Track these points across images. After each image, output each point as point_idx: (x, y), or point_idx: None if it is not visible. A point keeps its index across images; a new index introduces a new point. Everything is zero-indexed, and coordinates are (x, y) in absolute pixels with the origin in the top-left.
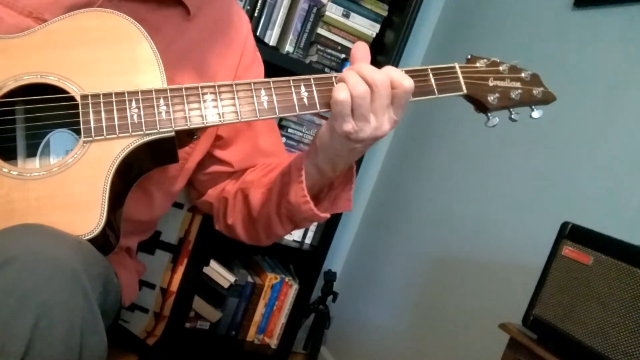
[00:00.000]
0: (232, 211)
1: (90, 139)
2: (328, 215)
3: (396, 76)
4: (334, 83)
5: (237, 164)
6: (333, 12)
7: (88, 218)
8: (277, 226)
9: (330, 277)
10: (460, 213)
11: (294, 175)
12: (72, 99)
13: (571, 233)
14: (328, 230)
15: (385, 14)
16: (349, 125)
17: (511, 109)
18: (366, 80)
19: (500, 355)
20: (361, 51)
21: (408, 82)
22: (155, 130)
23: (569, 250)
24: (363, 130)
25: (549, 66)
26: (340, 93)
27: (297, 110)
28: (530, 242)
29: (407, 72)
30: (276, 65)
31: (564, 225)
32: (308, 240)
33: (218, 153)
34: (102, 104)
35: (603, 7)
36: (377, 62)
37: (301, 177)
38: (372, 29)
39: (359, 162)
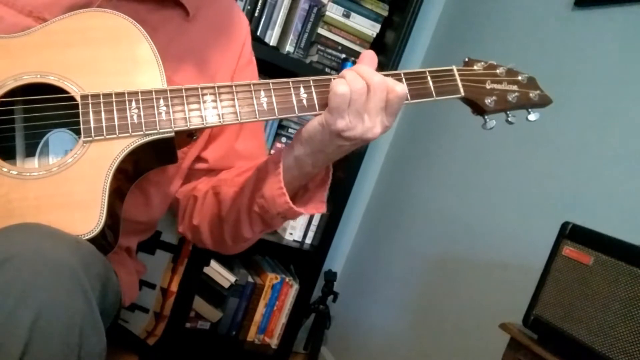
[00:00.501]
0: (200, 211)
1: (90, 139)
2: (303, 212)
3: (390, 83)
4: None
5: (212, 162)
6: (333, 12)
7: (87, 218)
8: (245, 226)
9: (331, 277)
10: (461, 213)
11: (270, 168)
12: (72, 98)
13: (572, 233)
14: (328, 230)
15: (385, 14)
16: (344, 122)
17: (508, 112)
18: (364, 79)
19: (501, 355)
20: (368, 58)
21: (400, 88)
22: (155, 131)
23: (569, 250)
24: (355, 128)
25: (549, 66)
26: (340, 86)
27: (297, 112)
28: (530, 242)
29: (405, 74)
30: (276, 65)
31: (565, 225)
32: (308, 240)
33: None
34: (102, 104)
35: (604, 7)
36: (377, 61)
37: (279, 169)
38: (372, 29)
39: (359, 162)
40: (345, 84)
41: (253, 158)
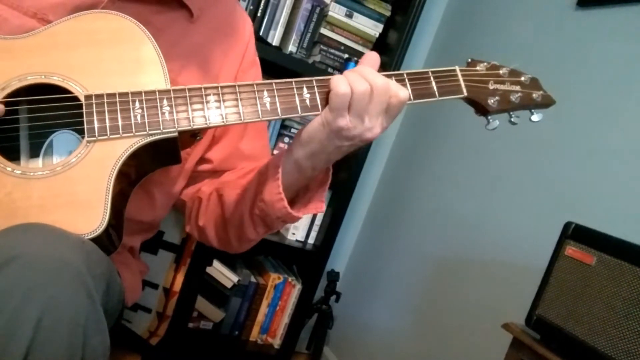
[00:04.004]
0: (205, 212)
1: (94, 139)
2: (301, 216)
3: (393, 86)
4: None
5: (217, 163)
6: (336, 12)
7: (91, 217)
8: (249, 228)
9: (333, 277)
10: (463, 213)
11: (270, 172)
12: (76, 99)
13: (574, 233)
14: (331, 230)
15: (388, 14)
16: (344, 121)
17: (511, 112)
18: (367, 81)
19: (504, 355)
20: (370, 59)
21: (403, 93)
22: (159, 131)
23: (572, 250)
24: (355, 127)
25: (552, 66)
26: (342, 86)
27: (300, 112)
28: (533, 242)
29: (408, 75)
30: (279, 65)
31: (567, 225)
32: (311, 240)
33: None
34: (105, 104)
35: (606, 6)
36: (380, 62)
37: (278, 174)
38: (375, 29)
39: (362, 162)
40: (347, 83)
41: (257, 158)
